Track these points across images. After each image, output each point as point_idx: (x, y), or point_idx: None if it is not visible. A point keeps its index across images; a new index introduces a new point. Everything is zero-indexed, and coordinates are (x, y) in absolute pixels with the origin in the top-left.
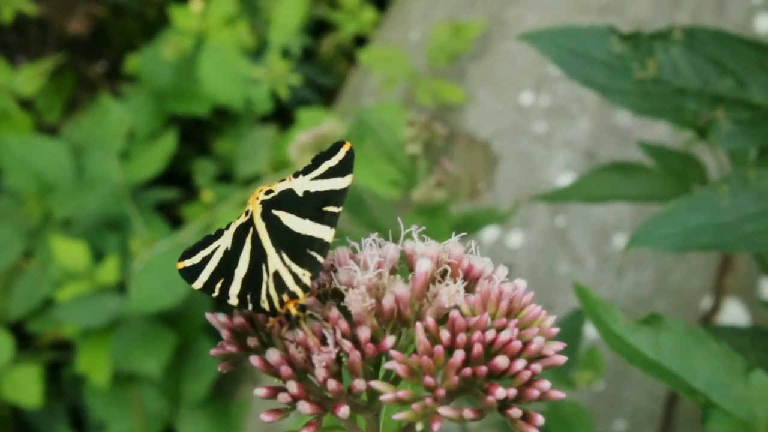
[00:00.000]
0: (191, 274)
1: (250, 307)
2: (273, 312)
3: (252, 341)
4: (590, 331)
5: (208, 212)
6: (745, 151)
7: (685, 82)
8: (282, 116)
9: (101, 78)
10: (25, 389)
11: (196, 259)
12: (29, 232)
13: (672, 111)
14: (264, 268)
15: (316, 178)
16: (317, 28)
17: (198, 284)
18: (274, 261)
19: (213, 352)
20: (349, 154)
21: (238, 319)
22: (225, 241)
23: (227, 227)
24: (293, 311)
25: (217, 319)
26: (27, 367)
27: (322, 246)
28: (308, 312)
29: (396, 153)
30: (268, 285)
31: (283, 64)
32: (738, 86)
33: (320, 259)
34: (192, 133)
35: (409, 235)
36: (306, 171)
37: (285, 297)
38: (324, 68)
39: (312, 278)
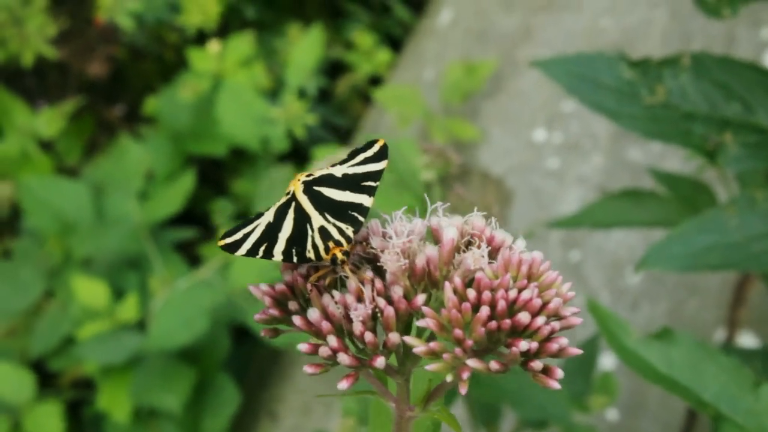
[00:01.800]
0: (233, 247)
1: (294, 259)
2: (318, 258)
3: (292, 305)
4: (605, 361)
5: None
6: (754, 177)
7: (693, 107)
8: (298, 156)
9: (120, 120)
10: (47, 427)
11: (237, 236)
12: (50, 271)
13: (681, 135)
14: (308, 227)
15: (353, 165)
16: (333, 69)
17: (241, 251)
18: (318, 220)
19: (257, 317)
20: (384, 147)
21: (280, 287)
22: (266, 218)
23: (267, 209)
24: (339, 256)
25: (260, 289)
26: (49, 405)
27: (362, 209)
28: (345, 268)
29: (410, 180)
30: (313, 238)
31: (299, 104)
32: (745, 110)
33: (361, 218)
34: (210, 173)
35: (434, 212)
36: (343, 162)
37: (331, 244)
38: (339, 109)
39: (354, 232)
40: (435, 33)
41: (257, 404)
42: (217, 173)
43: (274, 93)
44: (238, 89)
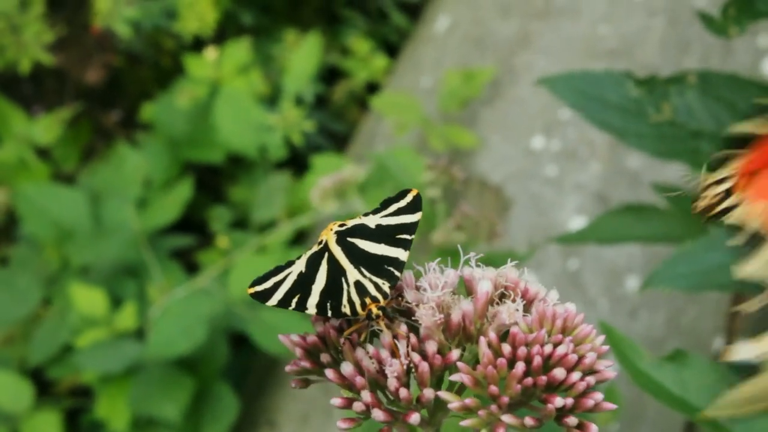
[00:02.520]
0: (264, 295)
1: (329, 313)
2: (354, 314)
3: (324, 357)
4: None
5: (224, 258)
6: None
7: (700, 124)
8: (296, 163)
9: (116, 126)
10: None
11: (267, 284)
12: (47, 279)
13: (688, 153)
14: (343, 280)
15: (386, 216)
16: (329, 75)
17: (273, 302)
18: (354, 274)
19: (288, 368)
20: (417, 198)
21: (311, 338)
22: (297, 268)
23: (298, 258)
24: (374, 312)
25: (291, 339)
26: (46, 414)
27: (398, 263)
28: (381, 323)
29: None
30: (349, 292)
31: (296, 111)
32: None
33: (397, 273)
34: (206, 180)
35: (467, 262)
36: (375, 212)
37: (367, 300)
38: (336, 115)
39: (390, 288)
40: (432, 40)
41: (256, 413)
42: (214, 180)
43: (271, 100)
44: (236, 96)
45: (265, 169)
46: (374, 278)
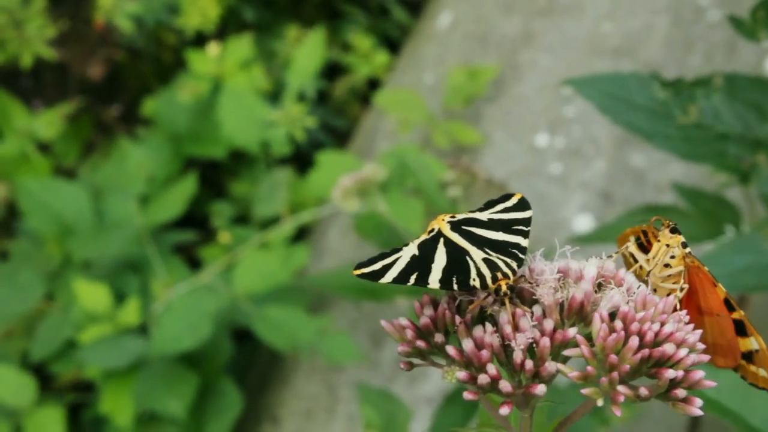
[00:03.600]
0: (375, 275)
1: (455, 286)
2: (483, 287)
3: (438, 337)
4: None
5: (227, 254)
6: None
7: (726, 127)
8: (297, 158)
9: (117, 121)
10: (49, 431)
11: (376, 266)
12: (50, 274)
13: (715, 156)
14: (468, 259)
15: (495, 213)
16: (330, 71)
17: (387, 279)
18: (479, 253)
19: (401, 349)
20: (524, 199)
21: (424, 320)
22: (408, 252)
23: (405, 245)
24: (504, 287)
25: (399, 322)
26: (50, 409)
27: (520, 248)
28: (506, 300)
29: (436, 195)
30: (478, 268)
31: (299, 107)
32: None
33: (522, 255)
34: (208, 175)
35: (563, 254)
36: (480, 210)
37: (498, 275)
38: (337, 111)
39: (518, 267)
40: (434, 36)
41: (259, 408)
42: (216, 175)
43: (273, 95)
44: (240, 92)
45: (267, 164)
46: (502, 257)
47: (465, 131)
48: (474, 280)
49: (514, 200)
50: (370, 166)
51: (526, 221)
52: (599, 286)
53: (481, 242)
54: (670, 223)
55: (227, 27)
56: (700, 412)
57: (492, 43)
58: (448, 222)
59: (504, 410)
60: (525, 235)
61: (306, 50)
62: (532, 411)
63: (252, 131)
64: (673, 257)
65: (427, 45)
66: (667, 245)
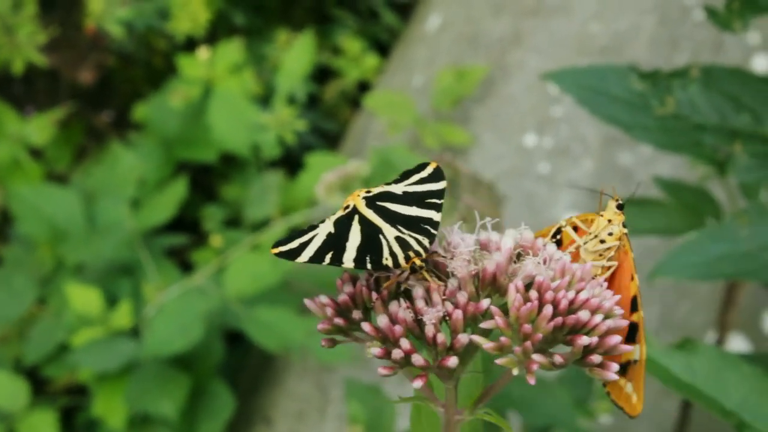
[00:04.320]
0: (291, 254)
1: (368, 266)
2: (396, 265)
3: (356, 314)
4: None
5: (219, 257)
6: (756, 185)
7: (703, 118)
8: (288, 162)
9: (108, 127)
10: None
11: (293, 244)
12: (42, 279)
13: (692, 146)
14: (381, 237)
15: (410, 185)
16: (320, 74)
17: (303, 258)
18: (392, 231)
19: (320, 327)
20: (438, 169)
21: (343, 298)
22: (324, 229)
23: (321, 222)
24: (418, 263)
25: (320, 301)
26: (43, 413)
27: (433, 223)
28: (425, 273)
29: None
30: (391, 247)
31: (289, 110)
32: (754, 121)
33: (433, 231)
34: (199, 179)
35: (483, 227)
36: (397, 182)
37: (411, 253)
38: (328, 114)
39: (429, 243)
40: (423, 38)
41: (251, 410)
42: (207, 179)
43: (263, 99)
44: (230, 96)
45: (258, 168)
46: (413, 234)
47: (454, 132)
48: (386, 259)
49: (429, 170)
50: (353, 163)
51: (440, 193)
52: (519, 257)
53: (394, 219)
54: (619, 200)
55: (217, 31)
56: (615, 377)
57: (481, 44)
58: (364, 198)
59: (417, 383)
60: (438, 208)
61: (295, 54)
62: (456, 382)
63: (242, 135)
64: (611, 234)
65: (416, 47)
66: (609, 221)
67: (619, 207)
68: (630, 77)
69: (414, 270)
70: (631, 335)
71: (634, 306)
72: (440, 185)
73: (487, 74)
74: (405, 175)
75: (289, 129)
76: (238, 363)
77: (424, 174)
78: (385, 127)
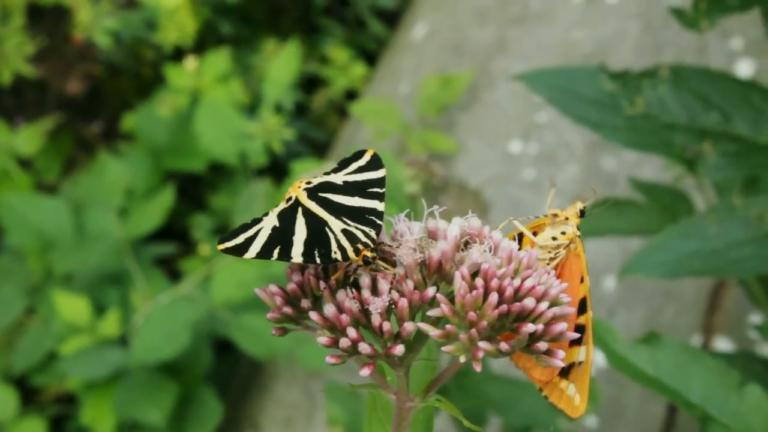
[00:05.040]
0: (239, 249)
1: (318, 260)
2: (345, 258)
3: (305, 303)
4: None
5: (206, 264)
6: (730, 185)
7: (672, 117)
8: (276, 170)
9: (98, 137)
10: None
11: (238, 240)
12: (31, 288)
13: (661, 145)
14: (327, 230)
15: (349, 174)
16: (309, 83)
17: (250, 254)
18: (337, 224)
19: (270, 316)
20: (376, 156)
21: (291, 287)
22: (269, 223)
23: (265, 215)
24: (369, 254)
25: (269, 290)
26: (31, 422)
27: (377, 213)
28: (378, 262)
29: (395, 192)
30: (338, 240)
31: (276, 118)
32: (723, 120)
33: (379, 221)
34: (188, 189)
35: (431, 215)
36: (335, 170)
37: (359, 246)
38: (316, 123)
39: (376, 234)
40: (410, 47)
41: (240, 417)
42: (196, 188)
43: (251, 108)
44: (216, 105)
45: (246, 177)
46: (360, 226)
47: (439, 139)
48: (335, 252)
49: (366, 158)
50: (331, 164)
51: (380, 182)
52: (466, 245)
53: (339, 210)
54: (584, 205)
55: (205, 41)
56: (561, 364)
57: (467, 51)
58: (305, 189)
59: (364, 371)
60: (381, 198)
61: (280, 62)
62: (407, 370)
63: (229, 143)
64: (563, 233)
65: (403, 56)
66: (567, 218)
67: (581, 212)
68: (600, 78)
69: (367, 262)
70: (579, 337)
71: (583, 308)
72: (380, 173)
73: (472, 81)
74: (343, 164)
75: (276, 137)
76: (228, 371)
77: (362, 162)
78: (372, 135)
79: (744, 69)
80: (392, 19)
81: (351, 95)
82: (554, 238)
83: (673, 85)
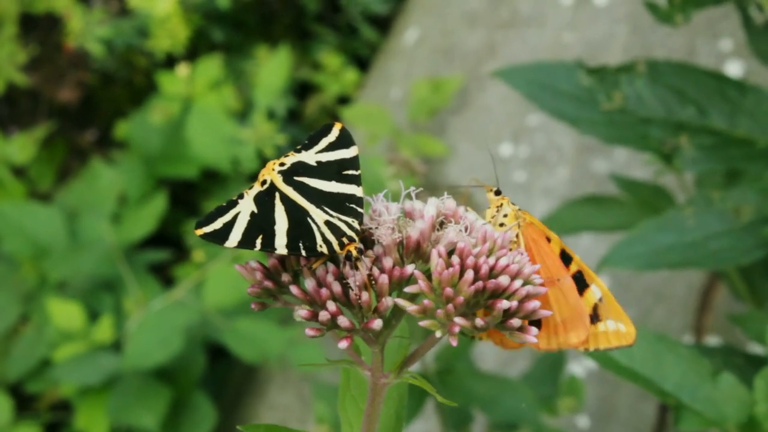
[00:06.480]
0: (218, 236)
1: (303, 253)
2: (331, 252)
3: (285, 277)
4: (576, 369)
5: (199, 270)
6: (711, 179)
7: (649, 111)
8: None
9: (92, 145)
10: None
11: (216, 225)
12: (25, 295)
13: (639, 139)
14: (309, 221)
15: (320, 152)
16: (301, 89)
17: (231, 243)
18: (319, 214)
19: (250, 290)
20: (344, 131)
21: (272, 261)
22: (246, 207)
23: (240, 197)
24: (354, 252)
25: (249, 265)
26: (26, 428)
27: (357, 200)
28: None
29: (376, 188)
30: (323, 233)
31: (268, 124)
32: (700, 114)
33: (360, 210)
34: (181, 195)
35: (408, 196)
36: (306, 147)
37: (345, 240)
38: (309, 128)
39: (359, 225)
40: (401, 52)
41: (234, 421)
42: (189, 195)
43: (243, 114)
44: (208, 111)
45: (238, 182)
46: (342, 217)
47: (430, 143)
48: (321, 246)
49: (335, 132)
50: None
51: (354, 162)
52: (442, 225)
53: (318, 198)
54: (492, 188)
55: (197, 49)
56: (534, 340)
57: (457, 55)
58: (280, 173)
59: (342, 344)
60: (357, 182)
61: (271, 68)
62: (382, 347)
63: (221, 149)
64: (506, 216)
65: (394, 61)
66: (498, 207)
67: (497, 193)
68: (578, 73)
69: (350, 258)
70: (580, 283)
71: (566, 258)
72: (352, 151)
73: (462, 85)
74: (312, 140)
75: (268, 143)
76: (223, 377)
77: (331, 138)
78: (364, 139)
79: (733, 70)
80: (384, 24)
81: (343, 100)
82: (501, 225)
83: (650, 79)
